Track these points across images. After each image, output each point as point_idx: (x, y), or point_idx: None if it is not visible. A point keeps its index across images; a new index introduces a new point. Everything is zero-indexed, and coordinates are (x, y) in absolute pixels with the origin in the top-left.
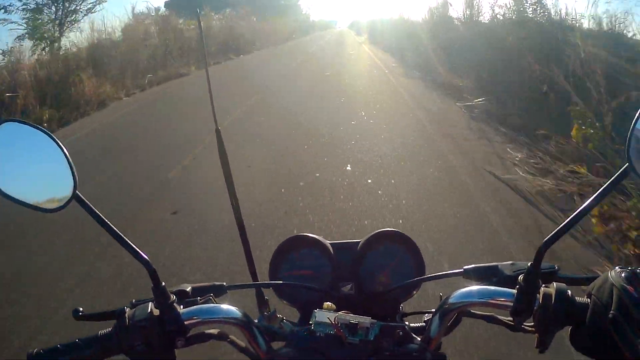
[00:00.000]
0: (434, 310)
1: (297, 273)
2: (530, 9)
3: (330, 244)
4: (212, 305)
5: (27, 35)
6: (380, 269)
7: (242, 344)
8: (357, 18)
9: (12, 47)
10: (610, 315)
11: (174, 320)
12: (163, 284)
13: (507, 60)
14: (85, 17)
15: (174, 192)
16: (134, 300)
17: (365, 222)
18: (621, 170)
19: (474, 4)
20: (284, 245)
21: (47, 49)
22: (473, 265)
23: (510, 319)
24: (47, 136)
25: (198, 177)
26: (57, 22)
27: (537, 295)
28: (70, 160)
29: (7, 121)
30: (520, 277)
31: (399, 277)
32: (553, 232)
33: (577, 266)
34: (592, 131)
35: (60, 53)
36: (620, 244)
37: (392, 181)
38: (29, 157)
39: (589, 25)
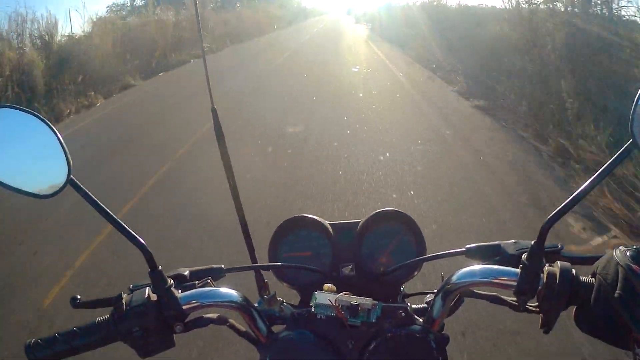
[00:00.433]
0: (436, 290)
1: (296, 254)
2: None
3: (330, 224)
4: (210, 289)
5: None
6: (380, 250)
7: (242, 327)
8: (356, 5)
9: None
10: (616, 295)
11: (172, 305)
12: (160, 268)
13: None
14: None
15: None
16: (131, 286)
17: None
18: (624, 147)
19: None
20: (283, 227)
21: None
22: (475, 245)
23: (514, 298)
24: (40, 121)
25: None
26: None
27: (541, 274)
28: (64, 144)
29: None
30: (524, 256)
31: (399, 257)
32: (556, 210)
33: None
34: None
35: None
36: None
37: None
38: (22, 142)
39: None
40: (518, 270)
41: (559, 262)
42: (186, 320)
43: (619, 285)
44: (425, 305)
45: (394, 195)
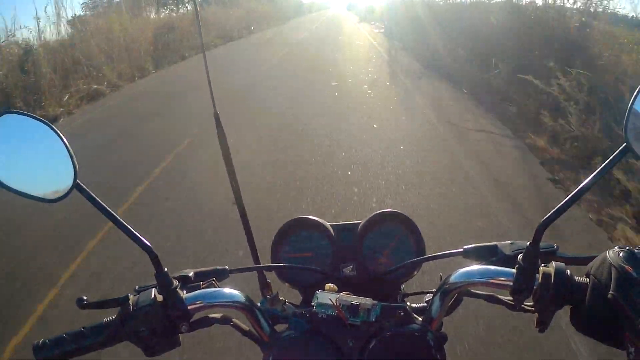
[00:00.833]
0: (434, 290)
1: (298, 255)
2: None
3: (331, 225)
4: (214, 289)
5: None
6: (380, 250)
7: (246, 327)
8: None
9: None
10: (609, 296)
11: (178, 306)
12: (165, 269)
13: None
14: None
15: None
16: (137, 287)
17: None
18: (619, 149)
19: None
20: (284, 228)
21: None
22: (473, 245)
23: (510, 298)
24: (46, 126)
25: None
26: None
27: (537, 274)
28: (70, 149)
29: (5, 113)
30: (520, 257)
31: (399, 258)
32: (552, 212)
33: None
34: None
35: None
36: None
37: None
38: (28, 148)
39: None
40: (514, 270)
41: (554, 262)
42: (191, 320)
43: (612, 285)
44: (425, 304)
45: None
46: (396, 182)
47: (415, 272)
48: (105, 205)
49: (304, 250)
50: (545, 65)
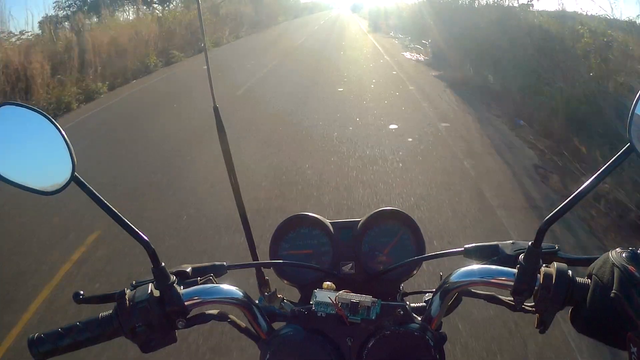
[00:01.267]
0: (434, 289)
1: (297, 252)
2: None
3: (331, 222)
4: (212, 285)
5: None
6: (380, 248)
7: (243, 324)
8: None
9: None
10: (612, 295)
11: (175, 301)
12: (163, 264)
13: None
14: None
15: None
16: (134, 282)
17: None
18: (622, 150)
19: None
20: (284, 225)
21: None
22: (474, 245)
23: (511, 298)
24: (44, 118)
25: None
26: None
27: (538, 275)
28: (69, 141)
29: (3, 104)
30: (521, 257)
31: (399, 256)
32: (553, 212)
33: None
34: None
35: None
36: None
37: None
38: (26, 139)
39: None
40: (515, 270)
41: (555, 263)
42: (188, 317)
43: (614, 285)
44: (424, 303)
45: None
46: None
47: (415, 271)
48: (102, 198)
49: (303, 248)
50: None
